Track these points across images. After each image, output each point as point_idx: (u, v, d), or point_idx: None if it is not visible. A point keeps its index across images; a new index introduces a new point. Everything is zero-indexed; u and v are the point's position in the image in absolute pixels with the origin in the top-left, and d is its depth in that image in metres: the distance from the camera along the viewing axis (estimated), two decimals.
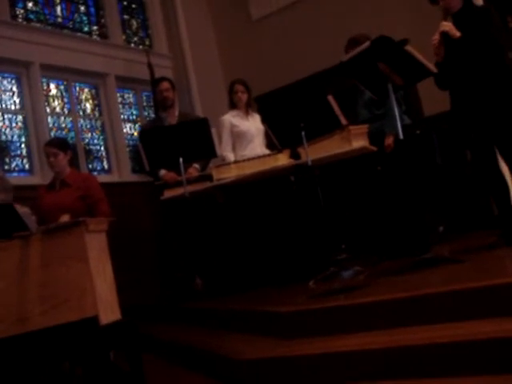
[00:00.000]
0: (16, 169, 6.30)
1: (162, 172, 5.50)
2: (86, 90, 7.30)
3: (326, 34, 7.22)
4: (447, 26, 3.98)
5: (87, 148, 7.11)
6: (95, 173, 6.96)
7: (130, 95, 7.85)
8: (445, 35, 3.98)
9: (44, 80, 6.74)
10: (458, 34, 3.94)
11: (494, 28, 3.95)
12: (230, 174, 5.01)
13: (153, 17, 8.26)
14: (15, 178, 5.97)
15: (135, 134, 7.57)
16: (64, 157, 4.75)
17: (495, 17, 4.05)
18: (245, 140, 5.54)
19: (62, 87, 7.00)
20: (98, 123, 7.34)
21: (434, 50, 4.04)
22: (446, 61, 4.04)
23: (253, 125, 5.62)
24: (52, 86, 6.89)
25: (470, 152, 4.46)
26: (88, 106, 7.28)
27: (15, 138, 6.36)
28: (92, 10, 7.64)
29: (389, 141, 4.68)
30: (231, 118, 5.59)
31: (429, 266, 3.67)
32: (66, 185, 4.69)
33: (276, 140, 4.45)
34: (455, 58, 4.03)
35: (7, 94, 6.41)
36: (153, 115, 7.58)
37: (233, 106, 5.66)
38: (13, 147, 6.32)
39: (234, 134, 5.55)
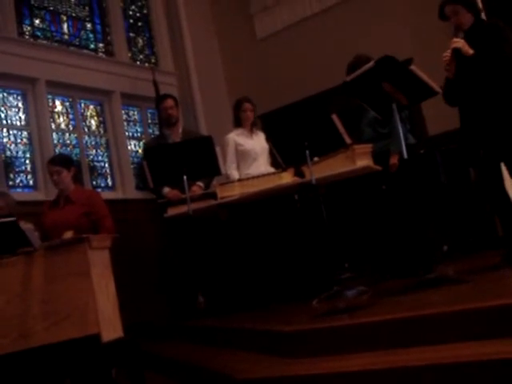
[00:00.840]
0: (20, 184, 6.30)
1: (166, 190, 5.50)
2: (91, 106, 7.32)
3: (330, 52, 7.24)
4: (460, 42, 3.94)
5: (91, 165, 7.11)
6: (99, 189, 6.96)
7: (135, 112, 7.87)
8: (456, 52, 3.96)
9: (49, 96, 6.76)
10: (470, 51, 3.91)
11: (507, 43, 3.93)
12: (233, 192, 5.01)
13: (158, 35, 8.30)
14: (19, 194, 5.97)
15: (140, 151, 7.57)
16: (67, 174, 4.75)
17: (506, 31, 4.01)
18: (249, 158, 5.55)
19: (67, 104, 7.02)
20: (103, 140, 7.35)
21: (445, 67, 4.02)
22: (457, 77, 4.03)
23: (257, 143, 5.63)
24: (57, 102, 6.91)
25: (475, 171, 4.45)
26: (93, 122, 7.30)
27: (20, 153, 6.37)
28: (98, 27, 7.68)
29: (394, 160, 4.68)
30: (235, 137, 5.60)
31: (433, 286, 3.65)
32: (70, 201, 4.69)
33: (280, 158, 4.45)
34: (467, 75, 4.01)
35: (13, 110, 6.43)
36: (157, 132, 7.59)
37: (238, 123, 5.67)
38: (17, 163, 6.33)
39: (238, 153, 5.57)
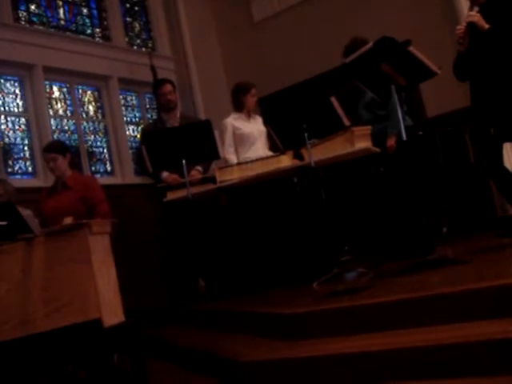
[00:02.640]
0: (19, 171, 6.30)
1: (165, 174, 5.48)
2: (89, 92, 7.31)
3: (328, 35, 7.21)
4: (475, 16, 3.89)
5: (90, 150, 7.11)
6: (98, 175, 6.97)
7: (133, 97, 7.85)
8: (470, 26, 3.90)
9: (47, 82, 6.75)
10: (486, 25, 3.85)
11: None
12: (232, 176, 5.00)
13: (155, 19, 8.26)
14: (18, 181, 5.97)
15: (138, 136, 7.56)
16: (63, 160, 4.74)
17: None
18: (247, 142, 5.53)
19: (64, 89, 7.01)
20: (101, 125, 7.34)
21: (458, 40, 3.99)
22: (469, 52, 4.00)
23: (255, 127, 5.61)
24: (55, 88, 6.89)
25: (475, 151, 4.42)
26: (91, 108, 7.28)
27: (18, 140, 6.37)
28: (94, 12, 7.65)
29: (391, 142, 4.67)
30: (233, 121, 5.57)
31: (433, 267, 3.66)
32: (67, 188, 4.69)
33: (279, 141, 4.44)
34: (480, 50, 3.96)
35: (10, 96, 6.42)
36: (156, 117, 7.57)
37: (239, 107, 5.62)
38: (16, 150, 6.32)
39: (236, 137, 5.54)
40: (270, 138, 5.35)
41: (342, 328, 3.16)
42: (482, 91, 4.06)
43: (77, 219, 3.76)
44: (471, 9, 4.00)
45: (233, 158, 5.45)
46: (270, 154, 5.42)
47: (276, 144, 4.59)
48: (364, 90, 4.41)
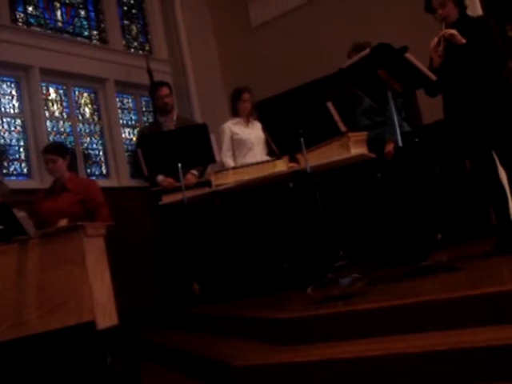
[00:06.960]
0: (14, 173, 6.28)
1: (160, 178, 5.48)
2: (86, 94, 7.30)
3: (325, 40, 7.23)
4: (453, 30, 3.96)
5: (86, 152, 7.10)
6: (93, 177, 6.96)
7: (129, 100, 7.85)
8: (445, 41, 3.97)
9: (43, 84, 6.73)
10: (463, 40, 3.93)
11: (493, 35, 3.97)
12: (228, 180, 5.01)
13: (153, 22, 8.27)
14: (13, 182, 5.96)
15: (134, 139, 7.55)
16: (63, 162, 4.74)
17: (494, 25, 4.07)
18: (245, 148, 5.52)
19: (61, 91, 7.00)
20: (97, 128, 7.33)
21: (434, 55, 4.03)
22: (442, 68, 4.03)
23: (253, 133, 5.60)
24: (51, 90, 6.88)
25: (469, 160, 4.45)
26: (87, 110, 7.27)
27: (14, 141, 6.35)
28: (92, 14, 7.64)
29: (389, 148, 4.68)
30: (232, 126, 5.58)
31: (427, 274, 3.67)
32: (66, 190, 4.68)
33: (275, 146, 4.45)
34: (454, 65, 4.03)
35: (6, 97, 6.40)
36: (152, 120, 7.57)
37: (235, 113, 5.63)
38: (11, 151, 6.31)
39: (234, 142, 5.54)
40: (268, 144, 5.35)
41: (336, 333, 3.16)
42: (459, 105, 4.11)
43: (74, 221, 3.75)
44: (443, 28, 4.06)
45: (230, 162, 5.45)
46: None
47: (273, 149, 4.59)
48: (361, 96, 4.42)
